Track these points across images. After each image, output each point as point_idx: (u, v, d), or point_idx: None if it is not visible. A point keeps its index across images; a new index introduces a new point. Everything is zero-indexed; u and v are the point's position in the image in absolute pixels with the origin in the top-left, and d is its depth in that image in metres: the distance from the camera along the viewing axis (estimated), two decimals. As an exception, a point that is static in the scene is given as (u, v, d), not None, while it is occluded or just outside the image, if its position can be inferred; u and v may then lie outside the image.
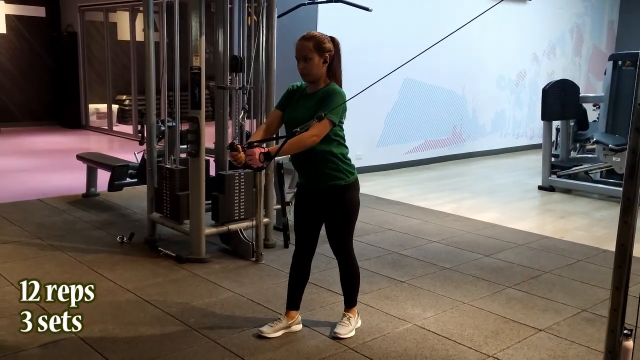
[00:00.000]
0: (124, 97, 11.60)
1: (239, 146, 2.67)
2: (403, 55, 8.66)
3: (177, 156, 4.43)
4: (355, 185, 2.93)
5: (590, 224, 5.52)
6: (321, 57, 2.79)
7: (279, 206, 4.76)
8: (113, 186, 5.54)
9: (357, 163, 2.99)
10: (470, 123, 9.26)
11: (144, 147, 4.62)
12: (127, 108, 11.55)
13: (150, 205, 4.56)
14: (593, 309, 3.54)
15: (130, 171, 5.62)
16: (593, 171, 6.88)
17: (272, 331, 3.04)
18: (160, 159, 4.53)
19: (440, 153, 8.82)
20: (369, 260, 4.27)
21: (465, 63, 8.78)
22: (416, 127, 8.39)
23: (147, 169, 4.55)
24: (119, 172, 5.54)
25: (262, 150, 2.63)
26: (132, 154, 6.64)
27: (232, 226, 4.29)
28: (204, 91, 4.00)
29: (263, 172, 4.26)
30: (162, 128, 4.51)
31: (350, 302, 3.14)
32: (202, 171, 4.07)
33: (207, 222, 4.25)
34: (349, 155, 2.93)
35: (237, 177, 4.29)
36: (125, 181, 5.63)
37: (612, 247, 4.66)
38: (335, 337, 3.04)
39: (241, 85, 4.28)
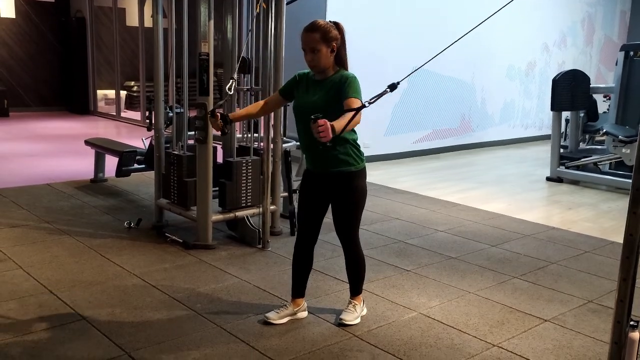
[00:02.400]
0: (132, 83, 11.63)
1: (218, 113, 2.90)
2: (412, 43, 8.66)
3: (184, 142, 4.44)
4: (363, 173, 2.93)
5: (598, 216, 5.50)
6: (328, 47, 2.78)
7: (286, 194, 4.76)
8: (121, 172, 5.56)
9: (365, 152, 2.98)
10: (479, 113, 9.22)
11: (152, 133, 4.63)
12: (135, 94, 11.58)
13: (158, 191, 4.58)
14: (599, 300, 3.53)
15: (138, 157, 5.65)
16: (602, 163, 6.83)
17: (278, 317, 3.05)
18: (168, 145, 4.54)
19: (448, 143, 8.79)
20: (375, 249, 4.27)
21: (475, 52, 8.73)
22: (424, 116, 8.35)
23: (155, 155, 4.56)
24: (127, 157, 5.56)
25: (331, 123, 2.45)
26: (139, 140, 6.68)
27: (239, 213, 4.30)
28: (212, 78, 3.99)
29: (270, 158, 4.27)
30: (170, 114, 4.52)
31: (355, 289, 3.15)
32: (210, 158, 4.07)
33: (214, 209, 4.26)
34: (361, 146, 2.93)
35: (244, 164, 4.29)
36: (133, 167, 5.65)
37: (619, 239, 4.62)
38: (340, 324, 3.06)
39: (249, 87, 4.30)
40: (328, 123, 2.40)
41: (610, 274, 3.94)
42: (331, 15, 6.85)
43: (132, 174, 5.76)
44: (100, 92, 11.64)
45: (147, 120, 4.91)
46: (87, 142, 6.24)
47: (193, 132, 4.23)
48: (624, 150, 6.25)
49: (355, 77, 2.79)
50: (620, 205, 5.91)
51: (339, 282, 3.62)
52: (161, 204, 4.55)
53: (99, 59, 11.52)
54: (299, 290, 3.12)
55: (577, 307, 3.43)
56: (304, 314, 3.15)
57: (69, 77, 11.52)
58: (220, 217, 4.26)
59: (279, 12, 4.27)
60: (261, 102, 3.12)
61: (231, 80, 3.75)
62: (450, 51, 2.59)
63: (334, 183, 2.90)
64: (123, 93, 11.52)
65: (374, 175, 6.76)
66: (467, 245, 4.46)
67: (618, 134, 6.30)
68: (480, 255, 4.25)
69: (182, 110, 4.47)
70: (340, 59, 2.85)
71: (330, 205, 3.00)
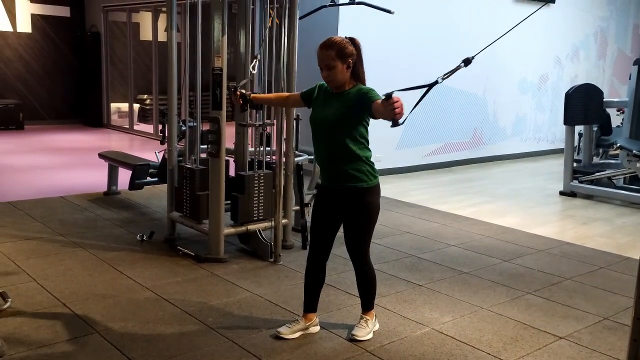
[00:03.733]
0: (145, 96, 11.73)
1: (239, 92, 3.21)
2: (424, 57, 8.65)
3: (197, 156, 4.47)
4: (376, 189, 2.93)
5: (613, 231, 5.44)
6: (344, 63, 2.79)
7: (298, 207, 4.77)
8: (134, 185, 5.60)
9: (376, 165, 2.98)
10: (491, 126, 9.19)
11: (165, 146, 4.67)
12: (148, 107, 11.69)
13: (170, 204, 4.60)
14: (615, 317, 3.48)
15: (151, 170, 5.68)
16: (616, 177, 6.78)
17: (290, 332, 3.04)
18: (181, 158, 4.57)
19: (460, 156, 8.76)
20: (387, 263, 4.26)
21: (487, 65, 8.72)
22: (436, 129, 8.34)
23: (168, 169, 4.59)
24: (140, 171, 5.60)
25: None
26: (152, 153, 6.72)
27: (251, 226, 4.31)
28: (225, 92, 4.02)
29: (282, 172, 4.26)
30: (183, 128, 4.55)
31: (367, 305, 3.14)
32: (222, 171, 4.09)
33: (226, 222, 4.27)
34: (372, 159, 2.94)
35: (256, 178, 4.30)
36: (146, 180, 5.69)
37: (635, 255, 4.56)
38: (352, 340, 3.04)
39: (262, 122, 4.32)
40: (401, 99, 2.39)
41: (626, 290, 3.89)
42: (343, 29, 6.89)
43: (145, 187, 5.79)
44: (113, 105, 11.75)
45: (160, 134, 4.95)
46: (100, 155, 6.30)
47: (206, 146, 4.25)
48: (638, 164, 6.19)
49: (372, 89, 2.81)
50: (636, 220, 5.84)
51: (351, 296, 3.60)
52: (173, 217, 4.57)
53: (113, 72, 11.65)
54: (311, 305, 3.11)
55: (592, 324, 3.38)
56: (316, 328, 3.14)
57: (83, 90, 11.66)
58: (232, 230, 4.27)
59: (291, 27, 4.30)
60: (285, 94, 3.22)
61: (255, 60, 3.76)
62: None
63: (347, 199, 2.90)
64: (136, 106, 11.62)
65: (385, 188, 6.71)
66: (480, 260, 4.43)
67: (632, 148, 6.25)
68: (493, 271, 4.21)
69: (195, 124, 4.50)
70: (357, 75, 2.86)
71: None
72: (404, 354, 2.93)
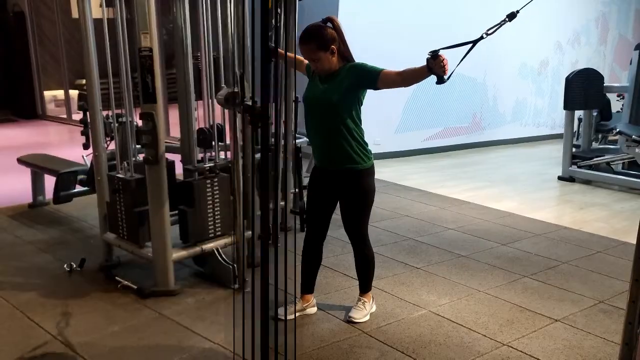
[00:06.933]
0: (84, 81, 11.05)
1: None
2: (424, 40, 8.59)
3: (131, 161, 3.61)
4: (371, 171, 3.02)
5: (610, 216, 5.51)
6: (327, 51, 2.94)
7: (297, 190, 4.76)
8: (59, 198, 4.71)
9: (375, 149, 3.00)
10: (491, 111, 9.26)
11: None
12: (87, 93, 11.05)
13: (104, 223, 3.83)
14: (610, 300, 3.57)
15: (80, 177, 4.79)
16: (615, 162, 6.82)
17: (287, 313, 3.07)
18: (115, 162, 3.72)
19: (459, 141, 8.87)
20: (385, 246, 4.32)
21: (487, 50, 8.74)
22: (435, 114, 8.44)
23: (96, 179, 3.80)
24: (65, 180, 4.69)
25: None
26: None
27: (206, 246, 3.65)
28: (158, 78, 3.22)
29: (240, 174, 3.74)
30: (114, 125, 3.73)
31: (365, 287, 3.26)
32: (163, 181, 3.36)
33: (175, 242, 3.59)
34: (366, 140, 2.94)
35: (209, 185, 3.62)
36: (75, 190, 4.83)
37: (632, 240, 4.63)
38: (349, 321, 3.15)
39: (212, 165, 3.64)
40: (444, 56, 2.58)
41: (622, 274, 4.02)
42: (343, 11, 6.82)
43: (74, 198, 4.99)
44: (48, 93, 10.85)
45: (82, 134, 3.98)
46: (20, 160, 5.39)
47: (140, 146, 3.46)
48: (637, 150, 6.31)
49: (364, 63, 2.97)
50: (633, 205, 5.95)
51: (349, 278, 3.68)
52: (109, 240, 3.83)
53: (43, 56, 10.78)
54: (308, 286, 3.25)
55: (588, 307, 3.47)
56: (313, 309, 3.24)
57: (11, 77, 10.78)
58: (182, 253, 3.60)
59: (289, 9, 4.17)
60: (301, 58, 3.19)
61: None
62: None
63: (342, 181, 2.98)
64: (73, 92, 10.61)
65: (384, 172, 6.80)
66: (477, 244, 4.49)
67: (631, 134, 6.35)
68: (491, 254, 4.28)
69: (128, 119, 3.64)
70: (343, 55, 2.88)
71: (338, 202, 3.01)
72: (400, 336, 3.01)
